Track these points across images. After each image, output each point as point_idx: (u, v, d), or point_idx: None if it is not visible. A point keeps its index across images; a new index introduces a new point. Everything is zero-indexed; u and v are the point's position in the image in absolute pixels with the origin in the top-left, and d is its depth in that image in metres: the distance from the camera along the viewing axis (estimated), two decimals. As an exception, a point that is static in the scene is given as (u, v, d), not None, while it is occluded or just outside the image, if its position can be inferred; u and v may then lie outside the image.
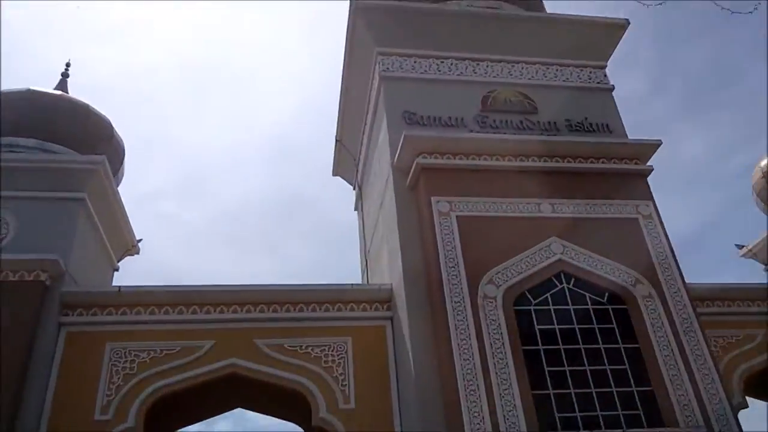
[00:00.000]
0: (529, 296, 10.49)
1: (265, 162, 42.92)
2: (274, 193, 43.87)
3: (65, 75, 15.24)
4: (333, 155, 18.42)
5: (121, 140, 14.72)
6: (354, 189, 18.39)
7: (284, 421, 13.66)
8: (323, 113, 42.89)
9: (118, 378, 10.75)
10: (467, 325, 9.89)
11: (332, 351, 11.54)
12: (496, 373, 9.48)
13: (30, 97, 13.40)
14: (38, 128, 12.89)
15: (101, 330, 11.17)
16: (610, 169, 12.04)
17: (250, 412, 13.83)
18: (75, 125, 13.34)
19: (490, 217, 11.18)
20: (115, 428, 10.27)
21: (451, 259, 10.54)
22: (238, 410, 13.73)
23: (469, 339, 9.76)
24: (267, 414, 13.21)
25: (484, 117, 13.01)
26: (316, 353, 11.48)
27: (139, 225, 15.12)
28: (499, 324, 9.97)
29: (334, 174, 19.04)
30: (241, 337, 11.43)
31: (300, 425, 13.48)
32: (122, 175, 14.95)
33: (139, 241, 15.30)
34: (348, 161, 17.83)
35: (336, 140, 17.72)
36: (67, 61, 15.39)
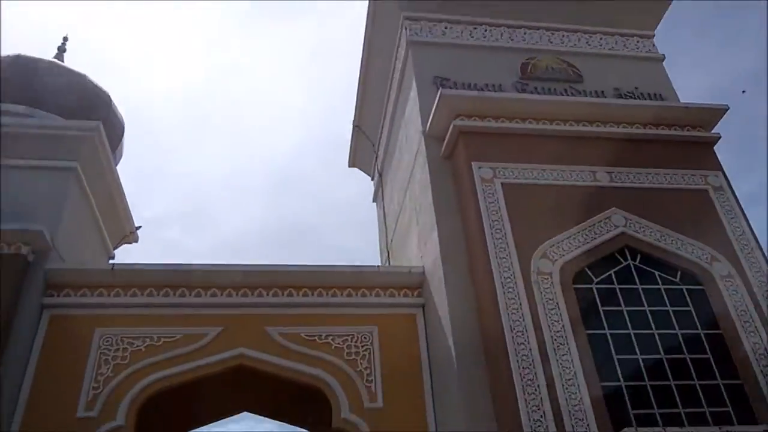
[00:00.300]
0: (589, 273, 8.97)
1: (267, 191, 41.39)
2: (276, 222, 42.29)
3: (62, 49, 13.98)
4: (350, 144, 17.08)
5: (121, 117, 13.41)
6: (372, 179, 17.00)
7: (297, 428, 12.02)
8: (326, 142, 41.27)
9: (108, 369, 9.21)
10: (520, 304, 8.37)
11: (356, 341, 9.99)
12: (557, 361, 7.93)
13: (20, 62, 12.11)
14: (28, 95, 11.59)
15: (90, 314, 9.66)
16: (672, 137, 10.60)
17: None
18: (69, 94, 12.04)
19: (540, 185, 9.72)
20: (101, 427, 8.70)
21: (498, 230, 9.06)
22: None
23: (523, 320, 8.22)
24: (278, 419, 11.56)
25: (524, 84, 11.64)
26: (338, 344, 9.92)
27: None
28: (557, 304, 8.44)
29: (351, 165, 17.66)
30: (251, 325, 9.90)
31: None
32: (121, 155, 13.60)
33: (138, 228, 13.88)
34: (366, 149, 16.46)
35: (354, 126, 16.37)
36: (65, 35, 14.14)
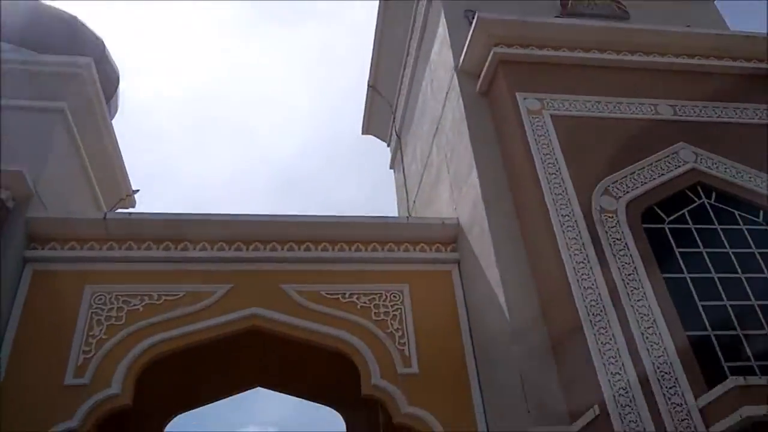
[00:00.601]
0: (659, 212, 7.74)
1: (271, 193, 39.79)
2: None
3: None
4: (364, 108, 15.83)
5: (116, 66, 12.18)
6: (388, 145, 15.78)
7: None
8: (332, 143, 39.39)
9: (100, 330, 7.96)
10: (582, 244, 7.13)
11: (385, 301, 8.75)
12: (633, 308, 6.68)
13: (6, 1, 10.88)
14: (13, 34, 10.35)
15: (80, 269, 8.41)
16: (738, 69, 9.39)
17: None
18: (59, 36, 10.80)
19: (595, 118, 8.51)
20: (94, 396, 7.44)
21: (551, 164, 7.84)
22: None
23: (588, 262, 6.99)
24: (295, 394, 10.28)
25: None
26: (364, 303, 8.68)
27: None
28: (626, 244, 7.21)
29: (365, 132, 16.40)
30: (264, 282, 8.68)
31: (338, 409, 10.52)
32: (116, 109, 12.36)
33: (136, 192, 12.64)
34: (382, 112, 15.24)
35: (369, 86, 15.13)
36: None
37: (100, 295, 8.19)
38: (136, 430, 9.45)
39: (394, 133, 14.79)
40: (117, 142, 11.33)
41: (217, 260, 8.71)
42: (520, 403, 6.91)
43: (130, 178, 12.37)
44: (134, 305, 8.18)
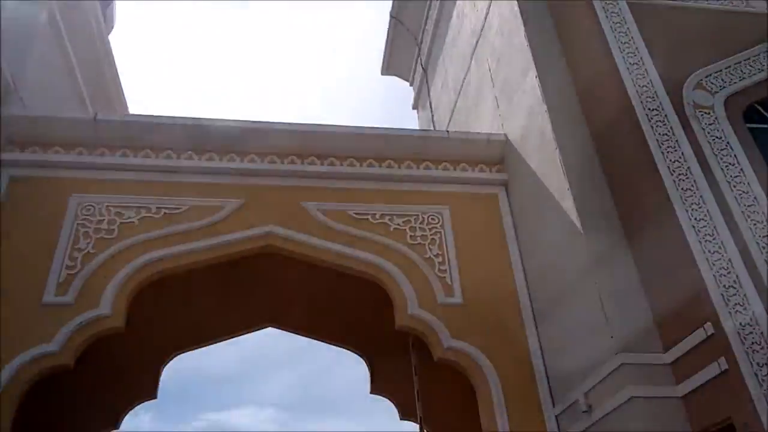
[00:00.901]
0: (763, 111, 6.44)
1: None
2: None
3: None
4: (385, 45, 14.43)
5: (112, -25, 10.80)
6: (411, 84, 14.42)
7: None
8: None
9: (88, 243, 6.69)
10: (677, 141, 5.87)
11: (422, 223, 7.48)
12: (744, 213, 5.43)
13: None
14: None
15: (64, 176, 7.12)
16: (839, -36, 8.04)
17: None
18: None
19: (679, 8, 7.20)
20: (78, 317, 6.21)
21: (631, 54, 6.54)
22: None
23: (685, 161, 5.72)
24: (311, 335, 9.01)
25: None
26: (398, 225, 7.41)
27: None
28: (728, 143, 5.93)
29: (385, 72, 14.96)
30: (282, 198, 7.41)
31: (362, 352, 9.24)
32: (112, 24, 10.97)
33: (134, 118, 11.31)
34: (405, 46, 13.84)
35: (391, 18, 13.73)
36: None
37: (88, 205, 6.91)
38: (128, 366, 8.23)
39: (419, 67, 13.43)
40: (112, 55, 10.02)
41: (226, 172, 7.42)
42: (595, 327, 5.67)
43: (126, 100, 11.07)
44: (128, 218, 6.91)
